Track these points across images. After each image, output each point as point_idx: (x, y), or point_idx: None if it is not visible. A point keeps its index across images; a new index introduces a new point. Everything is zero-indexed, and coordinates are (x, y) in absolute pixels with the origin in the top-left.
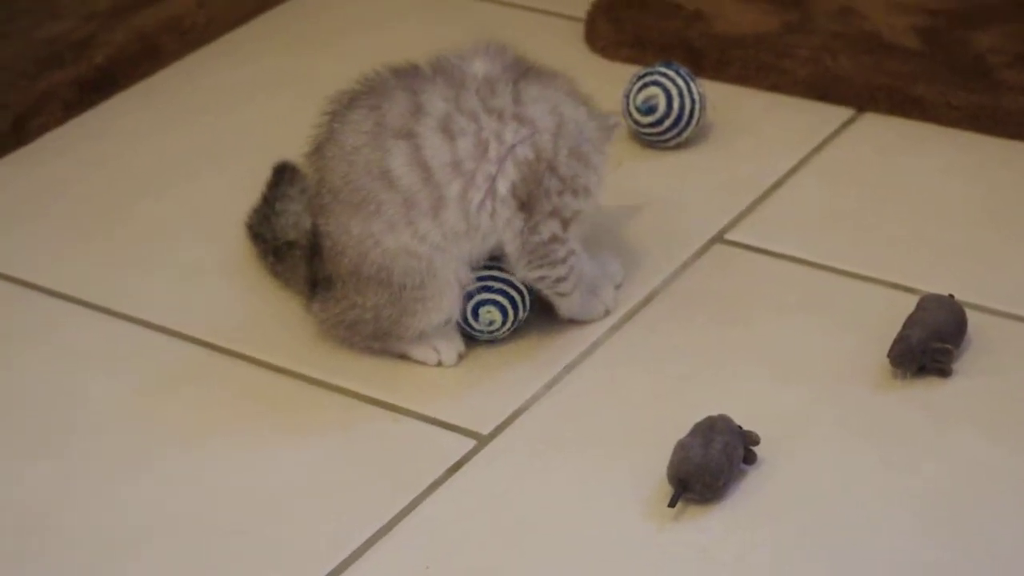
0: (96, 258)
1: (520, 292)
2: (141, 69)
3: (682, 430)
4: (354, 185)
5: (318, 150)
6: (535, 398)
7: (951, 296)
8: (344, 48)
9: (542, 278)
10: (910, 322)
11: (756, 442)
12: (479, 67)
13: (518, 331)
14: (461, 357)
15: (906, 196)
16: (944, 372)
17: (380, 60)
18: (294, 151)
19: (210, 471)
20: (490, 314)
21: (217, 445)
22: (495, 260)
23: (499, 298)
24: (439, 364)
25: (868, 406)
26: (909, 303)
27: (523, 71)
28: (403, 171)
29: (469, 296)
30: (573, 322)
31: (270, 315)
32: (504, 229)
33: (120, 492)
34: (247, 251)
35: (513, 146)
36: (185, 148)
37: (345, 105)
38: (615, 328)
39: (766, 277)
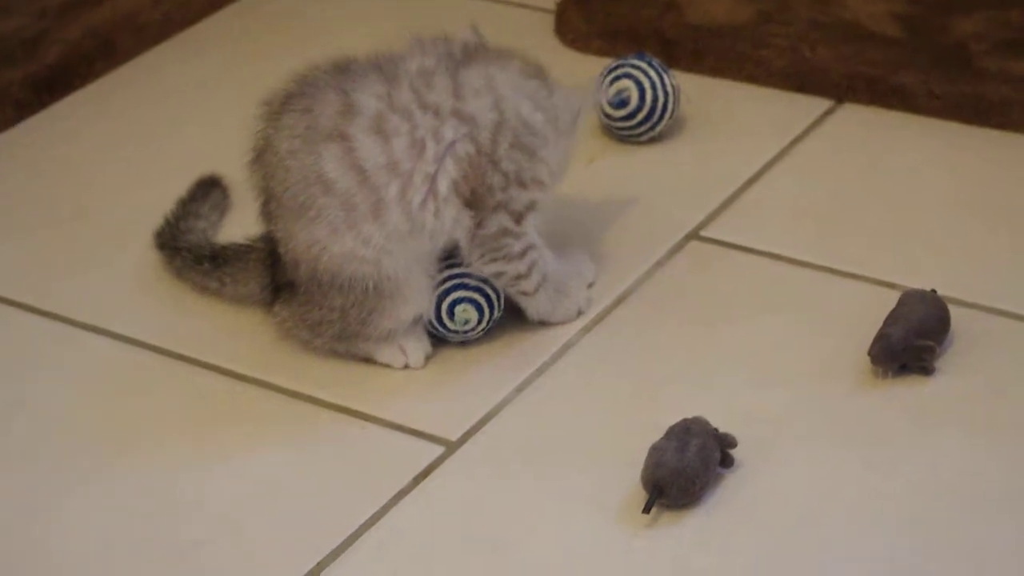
0: (47, 262)
1: (495, 289)
2: (95, 68)
3: (657, 433)
4: (293, 191)
5: (259, 157)
6: (505, 402)
7: (933, 291)
8: (306, 45)
9: (499, 274)
10: (891, 319)
11: (733, 445)
12: (414, 61)
13: (487, 332)
14: (428, 359)
15: (887, 189)
16: (926, 370)
17: (340, 54)
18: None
19: (166, 483)
20: (466, 312)
21: (173, 455)
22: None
23: (475, 296)
24: (406, 367)
25: (848, 406)
26: (890, 299)
27: (465, 59)
28: (337, 175)
29: (444, 295)
30: (544, 323)
31: (226, 320)
32: (453, 227)
33: (71, 506)
34: None
35: (452, 143)
36: (141, 149)
37: (278, 108)
38: (587, 329)
39: (743, 274)
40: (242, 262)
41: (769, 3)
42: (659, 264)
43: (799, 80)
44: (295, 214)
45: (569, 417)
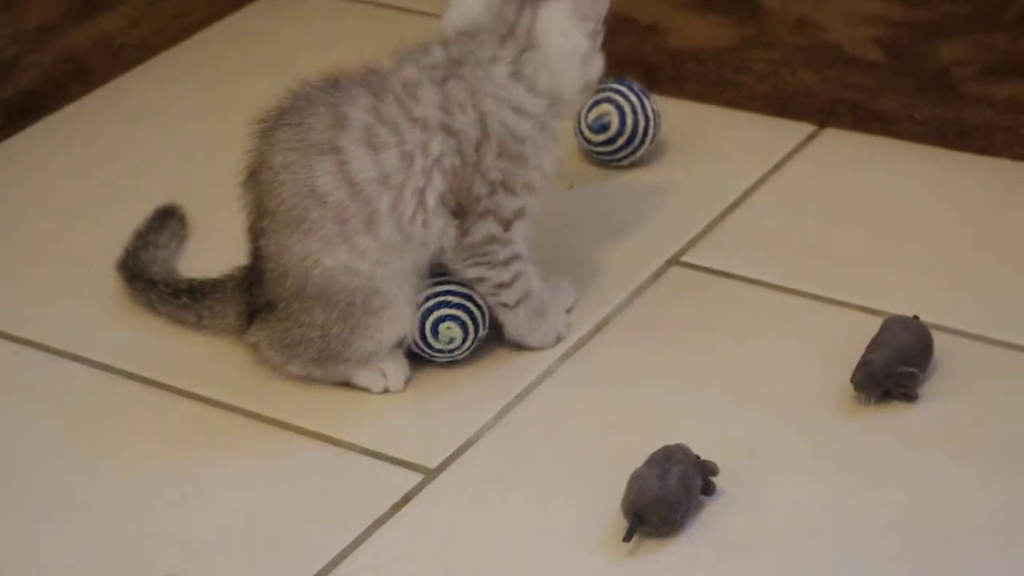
0: (21, 287)
1: (479, 307)
2: (70, 91)
3: (638, 461)
4: (287, 205)
5: (253, 175)
6: (484, 429)
7: (916, 318)
8: (283, 68)
9: (481, 279)
10: (874, 345)
11: (715, 472)
12: (400, 73)
13: (466, 357)
14: (407, 382)
15: (869, 214)
16: (909, 397)
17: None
18: (229, 176)
19: (143, 510)
20: (450, 330)
21: (149, 483)
22: (448, 272)
23: (459, 313)
24: (385, 391)
25: (831, 433)
26: (873, 325)
27: (452, 68)
28: (331, 187)
29: (427, 313)
30: (521, 346)
31: (201, 347)
32: (440, 237)
33: (42, 537)
34: None
35: (439, 157)
36: (116, 174)
37: (271, 124)
38: (567, 355)
39: (724, 300)
40: (220, 293)
41: (751, 28)
42: (640, 290)
43: (781, 105)
44: (290, 228)
45: (549, 444)
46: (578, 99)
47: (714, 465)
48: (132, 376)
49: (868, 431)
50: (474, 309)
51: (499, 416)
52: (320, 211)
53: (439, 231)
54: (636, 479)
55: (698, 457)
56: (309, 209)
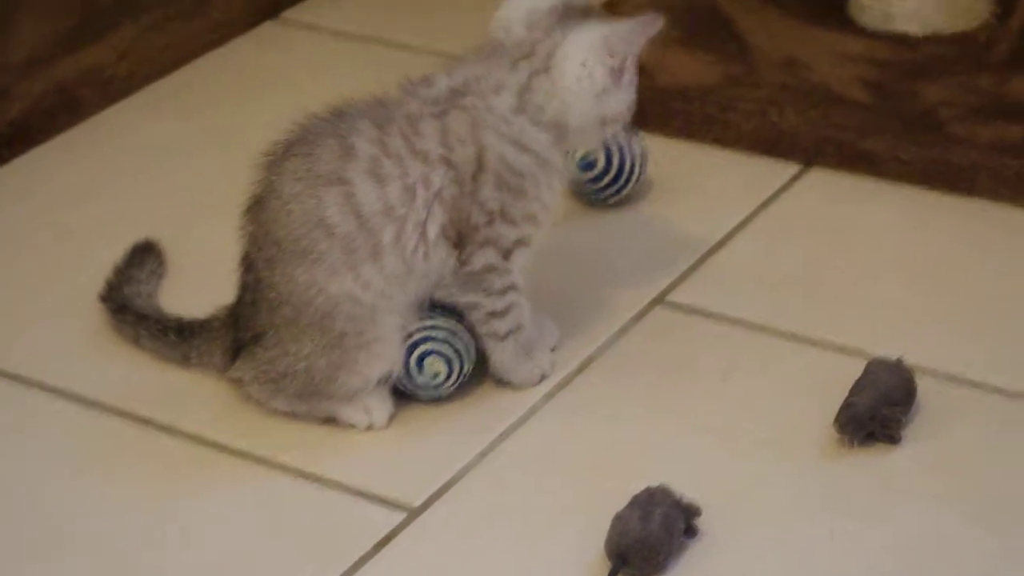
0: (4, 319)
1: (465, 344)
2: (59, 123)
3: (620, 502)
4: (295, 235)
5: (259, 203)
6: (468, 467)
7: (900, 360)
8: (270, 100)
9: (474, 305)
10: (857, 387)
11: (697, 514)
12: (404, 105)
13: (450, 395)
14: (391, 419)
15: (855, 254)
16: (893, 439)
17: (307, 112)
18: (217, 209)
19: (124, 548)
20: (435, 366)
21: (130, 520)
22: (437, 307)
23: (444, 349)
24: (369, 427)
25: (815, 475)
26: (856, 367)
27: (453, 99)
28: (338, 219)
29: (412, 347)
30: (504, 383)
31: (183, 381)
32: (441, 268)
33: (29, 571)
34: None
35: (439, 190)
36: (104, 206)
37: (280, 154)
38: (551, 395)
39: (709, 340)
40: (208, 332)
41: (737, 66)
42: (625, 329)
43: (767, 144)
44: (297, 257)
45: (532, 484)
46: (592, 134)
47: (697, 507)
48: (113, 410)
49: (851, 473)
50: (460, 346)
51: (483, 454)
52: (328, 241)
53: (440, 262)
54: (619, 520)
55: (681, 498)
56: (317, 239)
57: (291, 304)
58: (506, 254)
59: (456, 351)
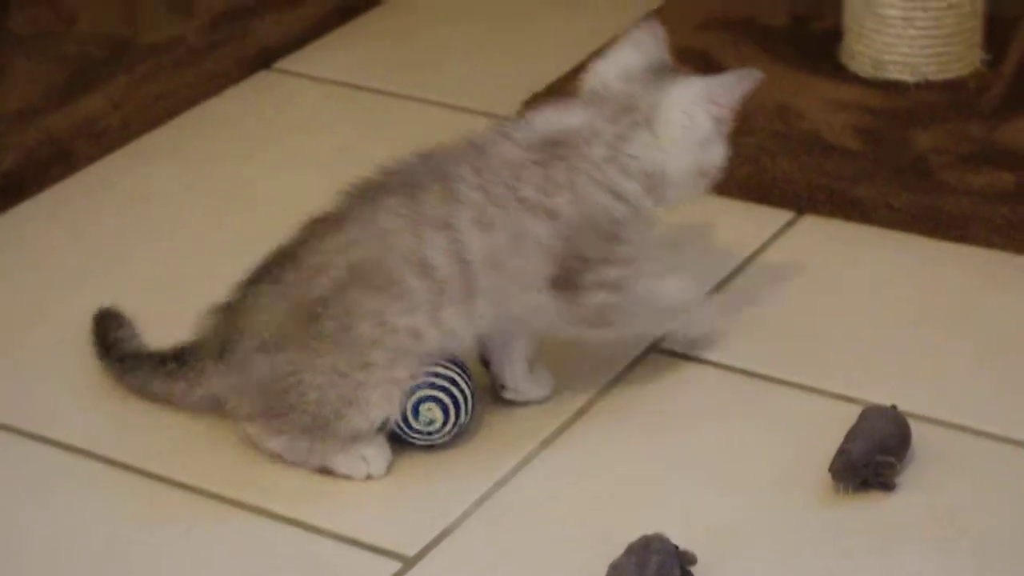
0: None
1: (464, 393)
2: (52, 173)
3: (617, 549)
4: (385, 267)
5: (336, 225)
6: (464, 516)
7: (894, 407)
8: (264, 150)
9: (600, 331)
10: (852, 434)
11: (693, 562)
12: (499, 149)
13: (446, 443)
14: (390, 467)
15: (847, 301)
16: (888, 486)
17: (300, 162)
18: (211, 259)
19: None
20: (431, 412)
21: (116, 568)
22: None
23: (442, 396)
24: (368, 477)
25: (810, 522)
26: (851, 414)
27: (550, 148)
28: (440, 261)
29: (409, 393)
30: (502, 433)
31: (176, 428)
32: (536, 312)
33: None
34: None
35: (541, 238)
36: (97, 257)
37: (376, 188)
38: (548, 442)
39: (704, 387)
40: (203, 351)
41: None
42: (620, 377)
43: (760, 191)
44: (376, 287)
45: (529, 532)
46: (691, 185)
47: (692, 555)
48: (102, 459)
49: (847, 520)
50: (457, 394)
51: (479, 503)
52: (422, 281)
53: (535, 307)
54: (615, 569)
55: (676, 547)
56: (408, 276)
57: (339, 321)
58: (615, 288)
59: (454, 399)
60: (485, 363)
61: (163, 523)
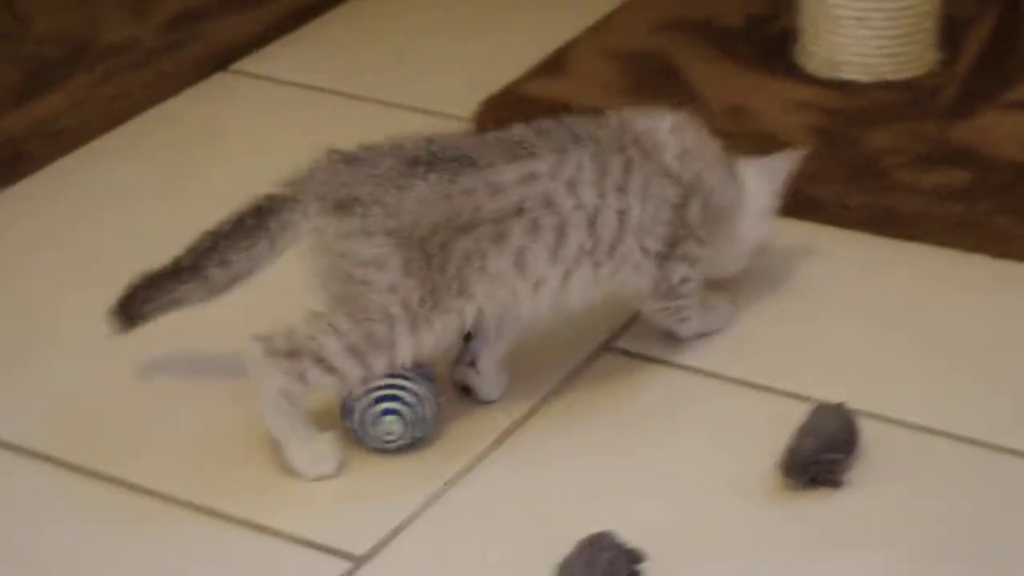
0: None
1: (428, 410)
2: (8, 176)
3: (566, 548)
4: (560, 211)
5: (529, 155)
6: (414, 516)
7: (843, 404)
8: (221, 150)
9: (666, 308)
10: (801, 432)
11: (642, 559)
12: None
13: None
14: (342, 466)
15: (800, 299)
16: (836, 483)
17: (258, 164)
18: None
19: None
20: (392, 424)
21: (67, 572)
22: (418, 368)
23: (406, 411)
24: (320, 476)
25: (759, 519)
26: (801, 412)
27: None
28: (608, 221)
29: (377, 401)
30: (453, 432)
31: (125, 428)
32: (637, 277)
33: None
34: (105, 368)
35: (671, 204)
36: (55, 259)
37: (567, 136)
38: (499, 441)
39: (655, 386)
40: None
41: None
42: (572, 375)
43: None
44: (538, 227)
45: (478, 531)
46: (741, 256)
47: (641, 552)
48: (49, 459)
49: (796, 517)
50: (422, 413)
51: (429, 503)
52: (583, 233)
53: (641, 276)
54: (564, 567)
55: (625, 544)
56: (575, 225)
57: (479, 246)
58: (694, 263)
59: (417, 417)
60: (466, 337)
61: (110, 524)
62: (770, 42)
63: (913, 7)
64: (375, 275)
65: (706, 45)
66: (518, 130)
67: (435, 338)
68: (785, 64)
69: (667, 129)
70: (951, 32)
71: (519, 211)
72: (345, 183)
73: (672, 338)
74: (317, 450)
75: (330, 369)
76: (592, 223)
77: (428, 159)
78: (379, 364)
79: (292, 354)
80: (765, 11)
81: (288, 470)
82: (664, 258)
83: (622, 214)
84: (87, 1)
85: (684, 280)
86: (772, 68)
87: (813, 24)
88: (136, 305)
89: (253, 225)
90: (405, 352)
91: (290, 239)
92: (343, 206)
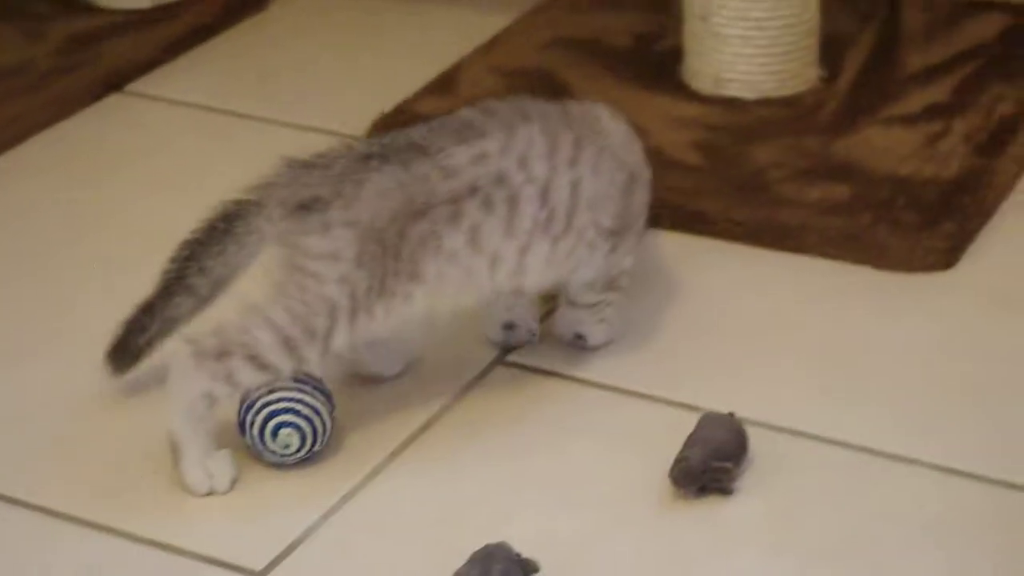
0: None
1: (324, 424)
2: None
3: (460, 560)
4: (511, 187)
5: (478, 134)
6: (311, 530)
7: (731, 414)
8: (116, 172)
9: (597, 303)
10: (690, 441)
11: (536, 570)
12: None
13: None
14: (234, 484)
15: (688, 312)
16: (725, 491)
17: (157, 186)
18: (62, 280)
19: None
20: (289, 437)
21: None
22: (309, 380)
23: (302, 424)
24: (210, 492)
25: (652, 528)
26: (690, 421)
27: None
28: (561, 195)
29: (273, 415)
30: (350, 445)
31: (16, 446)
32: (590, 259)
33: None
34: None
35: (619, 189)
36: None
37: (515, 113)
38: (395, 454)
39: (548, 399)
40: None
41: None
42: (466, 389)
43: None
44: (490, 204)
45: (375, 544)
46: None
47: (534, 563)
48: None
49: (687, 526)
50: (318, 424)
51: (326, 516)
52: (536, 207)
53: (596, 254)
54: None
55: (519, 555)
56: (527, 199)
57: (433, 228)
58: (631, 254)
59: (314, 429)
60: None
61: (10, 545)
62: (656, 60)
63: (794, 25)
64: (328, 268)
65: (594, 63)
66: (466, 112)
67: (374, 325)
68: (671, 82)
69: (608, 117)
70: (832, 49)
71: (473, 190)
72: (305, 184)
73: (569, 350)
74: (212, 466)
75: (262, 366)
76: (544, 195)
77: (381, 152)
78: (313, 355)
79: (222, 355)
80: (652, 30)
81: (181, 485)
82: (614, 245)
83: (574, 186)
84: None
85: (622, 273)
86: (659, 86)
87: (698, 43)
88: (133, 340)
89: (223, 230)
90: (341, 341)
91: (256, 243)
92: (304, 206)
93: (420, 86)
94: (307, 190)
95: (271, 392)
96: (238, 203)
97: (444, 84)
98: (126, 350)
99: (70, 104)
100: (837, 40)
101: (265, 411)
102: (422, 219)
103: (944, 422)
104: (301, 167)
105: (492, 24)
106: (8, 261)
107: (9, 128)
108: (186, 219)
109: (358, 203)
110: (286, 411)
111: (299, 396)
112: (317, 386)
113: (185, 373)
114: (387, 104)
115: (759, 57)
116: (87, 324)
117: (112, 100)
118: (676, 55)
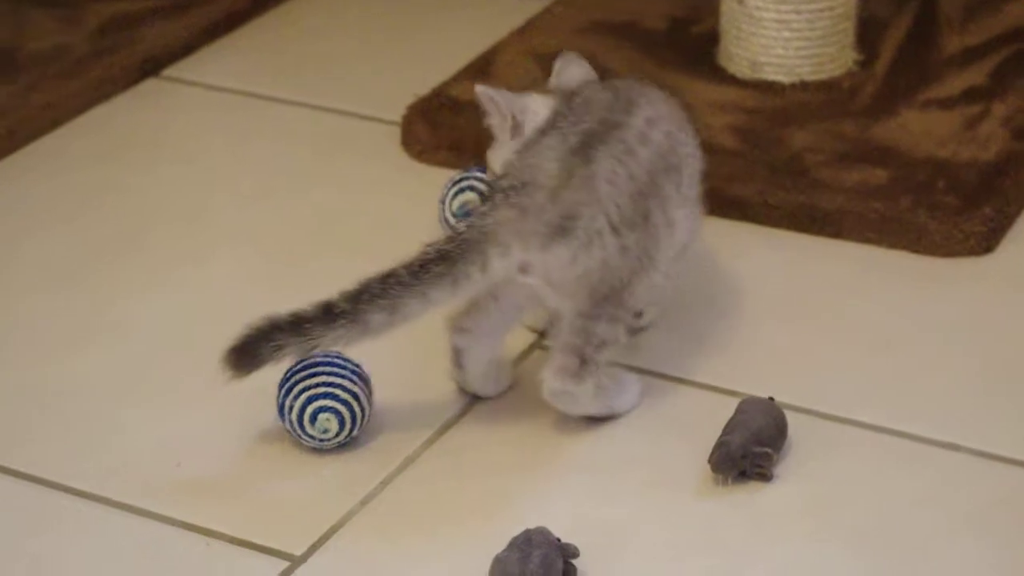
0: None
1: (363, 410)
2: None
3: (500, 544)
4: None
5: (630, 103)
6: (350, 515)
7: (770, 399)
8: (152, 157)
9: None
10: (730, 427)
11: (575, 555)
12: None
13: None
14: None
15: (725, 296)
16: (765, 477)
17: (193, 171)
18: (100, 267)
19: None
20: (328, 422)
21: None
22: (348, 364)
23: (341, 408)
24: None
25: (690, 514)
26: (729, 407)
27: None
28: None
29: (311, 399)
30: (388, 433)
31: (53, 429)
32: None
33: None
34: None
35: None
36: None
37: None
38: (431, 441)
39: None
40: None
41: None
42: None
43: None
44: (668, 168)
45: (413, 529)
46: None
47: (574, 548)
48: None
49: (726, 512)
50: (357, 409)
51: (364, 502)
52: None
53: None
54: (498, 563)
55: (559, 540)
56: (671, 166)
57: (653, 201)
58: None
59: (352, 414)
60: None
61: (52, 530)
62: (692, 44)
63: (831, 8)
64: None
65: (630, 47)
66: (590, 91)
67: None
68: (707, 66)
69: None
70: (869, 33)
71: (659, 157)
72: (540, 207)
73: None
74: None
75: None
76: (683, 163)
77: (583, 139)
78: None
79: (585, 362)
80: (687, 14)
81: (220, 471)
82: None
83: (692, 156)
84: (15, 10)
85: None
86: (695, 70)
87: (735, 26)
88: (262, 348)
89: (440, 272)
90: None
91: (482, 281)
92: (561, 230)
93: (455, 71)
94: (547, 212)
95: (311, 376)
96: (452, 242)
97: (480, 68)
98: (247, 355)
99: (106, 90)
100: (874, 23)
101: (304, 396)
102: (651, 198)
103: (986, 408)
104: (513, 192)
105: (528, 8)
106: (44, 247)
107: (44, 114)
108: (222, 203)
109: (600, 200)
110: (325, 396)
111: (338, 381)
112: (356, 371)
113: (576, 400)
114: (423, 88)
115: (796, 41)
116: (146, 314)
117: (148, 85)
118: (712, 39)
